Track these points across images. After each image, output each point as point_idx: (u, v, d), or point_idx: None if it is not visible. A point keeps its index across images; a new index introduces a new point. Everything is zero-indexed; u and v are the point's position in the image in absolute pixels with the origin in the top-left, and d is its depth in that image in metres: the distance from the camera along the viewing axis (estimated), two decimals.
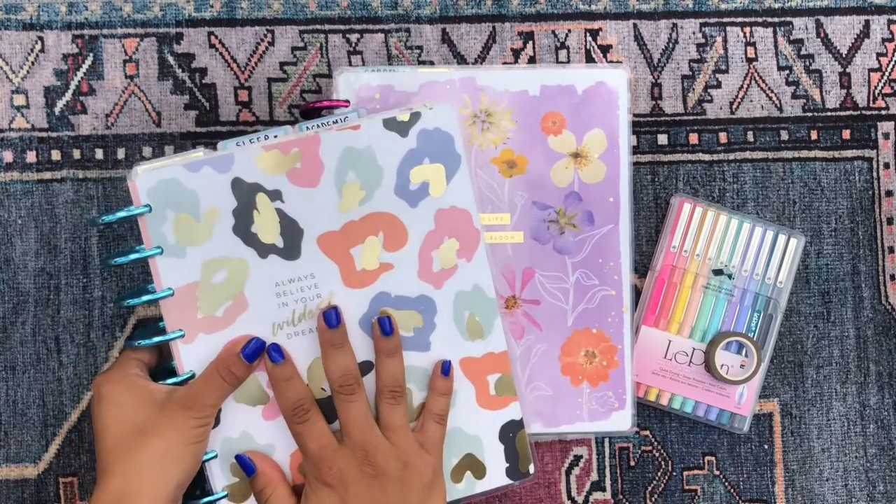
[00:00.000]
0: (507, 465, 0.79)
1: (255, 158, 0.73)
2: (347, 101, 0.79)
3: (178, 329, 0.73)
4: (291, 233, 0.74)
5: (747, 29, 0.87)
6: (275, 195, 0.73)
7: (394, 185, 0.75)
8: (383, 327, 0.74)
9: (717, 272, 0.84)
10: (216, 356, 0.73)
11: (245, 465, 0.74)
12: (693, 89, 0.87)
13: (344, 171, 0.74)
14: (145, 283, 0.74)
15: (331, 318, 0.73)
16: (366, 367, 0.75)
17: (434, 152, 0.76)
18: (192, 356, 0.73)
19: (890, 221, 0.87)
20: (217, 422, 0.74)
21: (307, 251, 0.74)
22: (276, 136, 0.74)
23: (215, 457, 0.74)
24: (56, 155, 0.84)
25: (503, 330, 0.78)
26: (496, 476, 0.79)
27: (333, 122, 0.75)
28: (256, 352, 0.73)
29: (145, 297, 0.72)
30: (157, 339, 0.73)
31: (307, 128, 0.75)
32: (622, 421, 0.82)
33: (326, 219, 0.74)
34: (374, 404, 0.75)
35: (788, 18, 0.88)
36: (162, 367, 0.75)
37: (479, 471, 0.79)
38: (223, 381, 0.72)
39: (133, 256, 0.71)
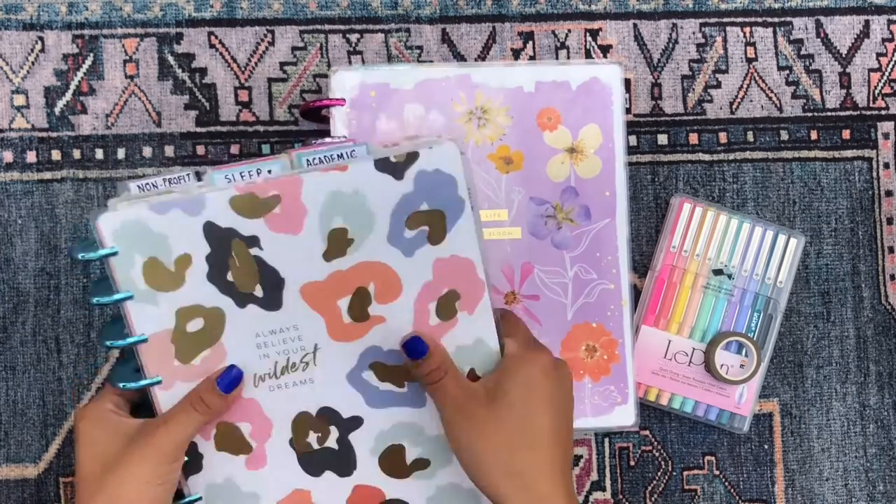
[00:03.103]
0: None
1: (227, 201, 0.66)
2: (343, 100, 0.79)
3: (156, 375, 0.69)
4: (271, 282, 0.68)
5: (747, 29, 0.87)
6: (252, 241, 0.67)
7: (387, 232, 0.68)
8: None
9: (717, 272, 0.84)
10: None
11: (416, 347, 0.69)
12: (693, 89, 0.87)
13: (330, 216, 0.68)
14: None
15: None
16: (353, 424, 0.72)
17: (433, 197, 0.68)
18: (170, 403, 0.69)
19: (890, 221, 0.87)
20: (199, 467, 0.71)
21: (289, 302, 0.69)
22: (269, 172, 0.68)
23: (199, 499, 0.72)
24: (56, 155, 0.84)
25: None
26: None
27: (337, 156, 0.69)
28: (233, 381, 0.69)
29: (121, 342, 0.68)
30: (135, 384, 0.69)
31: (307, 161, 0.68)
32: (626, 415, 0.82)
33: (310, 268, 0.68)
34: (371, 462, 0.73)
35: (788, 18, 0.88)
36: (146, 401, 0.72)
37: None
38: (194, 410, 0.67)
39: (111, 299, 0.67)
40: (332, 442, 0.72)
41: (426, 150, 0.68)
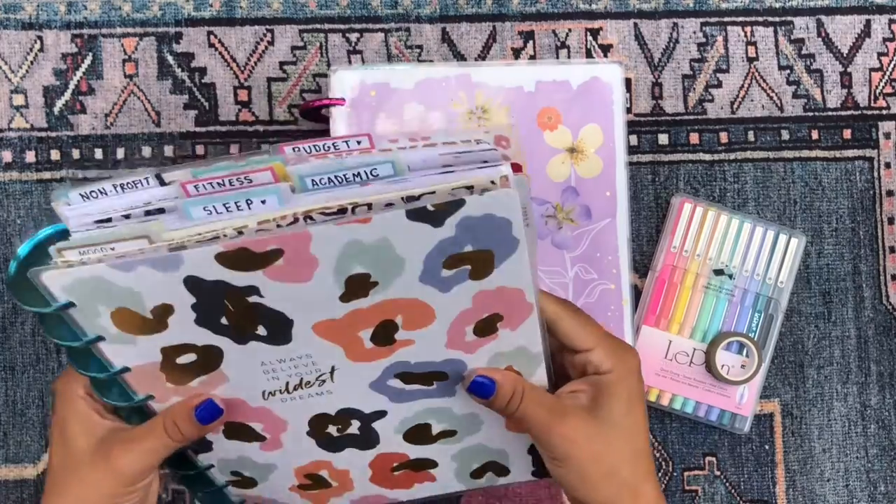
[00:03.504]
0: (534, 468, 0.72)
1: (212, 258, 0.51)
2: (343, 100, 0.78)
3: (148, 393, 0.60)
4: (277, 323, 0.56)
5: (748, 28, 0.87)
6: (248, 291, 0.54)
7: (419, 273, 0.54)
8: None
9: (718, 272, 0.84)
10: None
11: (483, 388, 0.62)
12: (694, 89, 0.87)
13: (347, 265, 0.53)
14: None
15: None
16: (376, 416, 0.65)
17: (480, 239, 0.54)
18: None
19: (891, 221, 0.87)
20: (209, 448, 0.66)
21: (300, 337, 0.57)
22: (263, 203, 0.51)
23: (212, 466, 0.68)
24: (55, 154, 0.83)
25: (546, 371, 0.65)
26: (519, 475, 0.72)
27: (353, 176, 0.52)
28: (212, 414, 0.61)
29: (100, 374, 0.58)
30: (121, 402, 0.61)
31: (312, 183, 0.52)
32: None
33: (324, 309, 0.56)
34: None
35: (789, 18, 0.88)
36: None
37: (502, 472, 0.72)
38: (165, 434, 0.61)
39: (76, 344, 0.56)
40: (353, 430, 0.66)
41: (475, 199, 0.51)
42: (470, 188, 0.52)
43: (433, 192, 0.52)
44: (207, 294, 0.53)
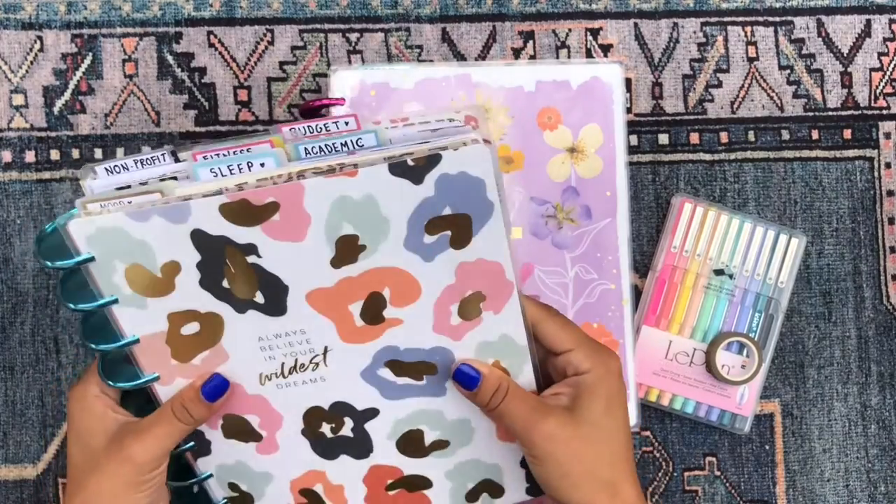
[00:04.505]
0: (528, 485, 0.73)
1: (217, 208, 0.58)
2: (343, 99, 0.78)
3: (153, 372, 0.64)
4: (273, 289, 0.61)
5: (748, 28, 0.87)
6: (248, 249, 0.59)
7: (403, 237, 0.60)
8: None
9: (718, 272, 0.84)
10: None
11: (468, 379, 0.65)
12: (694, 89, 0.87)
13: (337, 223, 0.59)
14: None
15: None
16: (369, 414, 0.68)
17: (458, 200, 0.59)
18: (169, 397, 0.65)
19: (891, 221, 0.87)
20: (208, 451, 0.69)
21: (294, 308, 0.62)
22: (262, 165, 0.59)
23: (211, 476, 0.70)
24: (55, 154, 0.83)
25: (533, 372, 0.67)
26: (514, 494, 0.73)
27: (341, 145, 0.60)
28: (218, 389, 0.64)
29: (111, 345, 0.63)
30: (128, 384, 0.64)
31: (305, 151, 0.59)
32: None
33: (316, 274, 0.61)
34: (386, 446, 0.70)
35: (789, 18, 0.88)
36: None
37: (497, 492, 0.72)
38: (176, 419, 0.63)
39: (93, 304, 0.61)
40: (346, 431, 0.68)
41: (450, 153, 0.57)
42: (444, 148, 0.58)
43: (412, 153, 0.58)
44: (211, 250, 0.59)
